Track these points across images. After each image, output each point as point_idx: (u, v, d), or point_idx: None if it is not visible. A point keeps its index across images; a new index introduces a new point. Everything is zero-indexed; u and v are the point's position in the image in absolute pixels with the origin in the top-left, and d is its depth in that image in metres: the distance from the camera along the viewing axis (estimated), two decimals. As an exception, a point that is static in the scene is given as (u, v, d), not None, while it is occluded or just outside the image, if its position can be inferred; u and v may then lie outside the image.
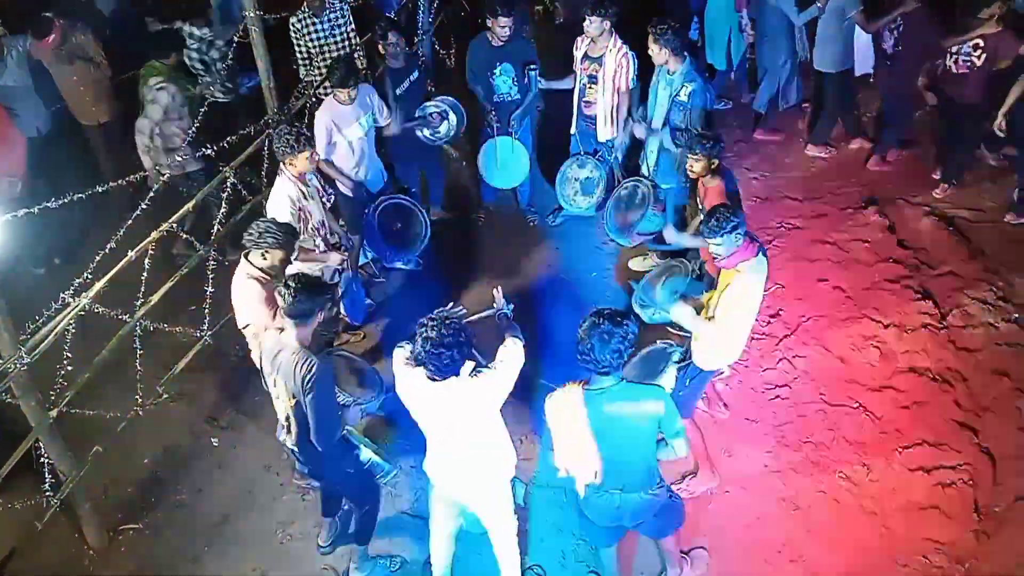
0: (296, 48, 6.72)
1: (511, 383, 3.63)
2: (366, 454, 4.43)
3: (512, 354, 3.66)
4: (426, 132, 6.33)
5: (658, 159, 5.84)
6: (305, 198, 4.93)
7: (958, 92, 6.39)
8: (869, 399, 5.22)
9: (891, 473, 4.84)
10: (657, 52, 5.51)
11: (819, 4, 6.72)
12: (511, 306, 4.07)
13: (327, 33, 6.65)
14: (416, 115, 6.24)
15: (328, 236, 5.21)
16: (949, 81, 6.41)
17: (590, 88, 6.05)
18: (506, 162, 6.42)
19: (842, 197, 6.89)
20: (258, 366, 4.37)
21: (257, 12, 5.37)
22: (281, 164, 4.89)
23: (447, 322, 3.42)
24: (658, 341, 4.79)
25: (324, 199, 5.20)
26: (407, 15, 7.56)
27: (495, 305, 4.05)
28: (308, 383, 3.69)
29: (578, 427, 3.50)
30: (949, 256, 6.13)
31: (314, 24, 6.60)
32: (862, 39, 6.90)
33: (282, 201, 4.84)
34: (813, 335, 5.63)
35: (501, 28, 6.00)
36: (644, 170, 6.00)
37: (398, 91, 6.08)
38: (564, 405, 3.53)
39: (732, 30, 7.33)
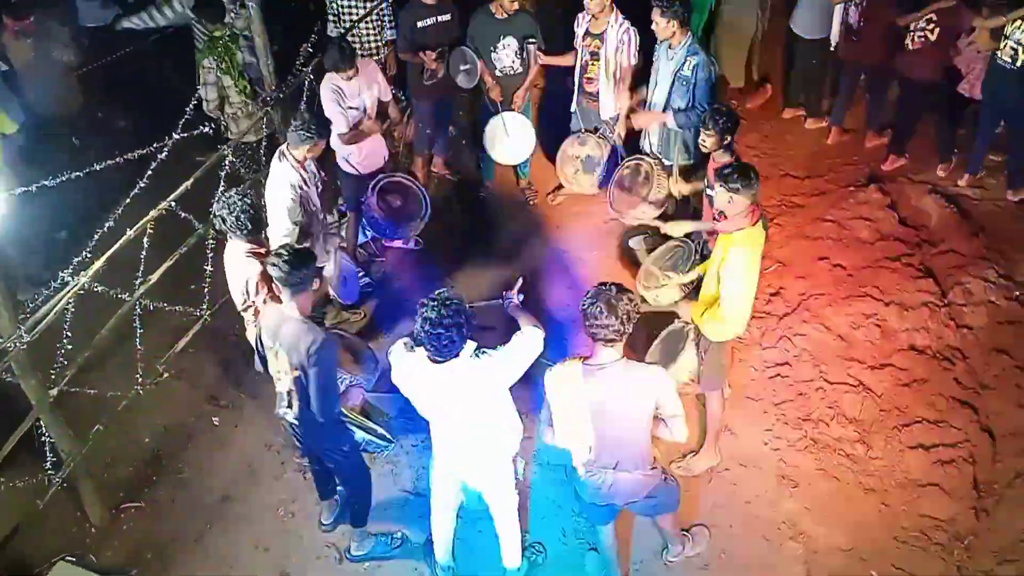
0: (328, 7, 6.68)
1: (520, 369, 3.60)
2: (359, 434, 4.44)
3: (527, 340, 3.62)
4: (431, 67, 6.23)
5: (661, 136, 5.80)
6: (306, 184, 4.90)
7: (913, 68, 6.39)
8: (869, 377, 5.22)
9: (891, 450, 4.86)
10: (664, 26, 5.39)
11: None
12: (521, 296, 4.03)
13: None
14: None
15: (325, 221, 5.19)
16: (905, 57, 6.39)
17: (592, 64, 6.00)
18: (512, 137, 6.37)
19: (843, 175, 6.86)
20: (254, 345, 4.38)
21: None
22: (284, 149, 4.85)
23: (447, 302, 3.39)
24: (675, 321, 4.77)
25: (317, 183, 5.16)
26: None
27: (512, 292, 4.02)
28: (312, 354, 3.70)
29: (576, 402, 3.50)
30: (950, 234, 6.12)
31: None
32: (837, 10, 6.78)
33: (284, 188, 4.81)
34: (813, 313, 5.62)
35: (507, 4, 5.95)
36: (645, 147, 5.96)
37: (419, 24, 6.08)
38: (563, 379, 3.53)
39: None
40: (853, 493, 4.71)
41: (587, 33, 5.95)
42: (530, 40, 6.15)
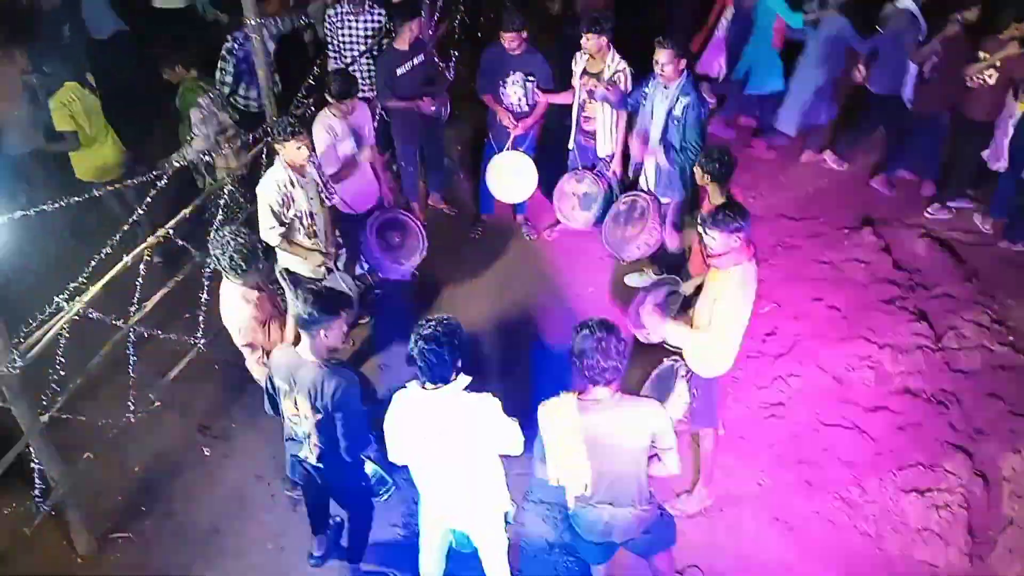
0: (328, 41, 6.80)
1: (500, 437, 3.59)
2: (370, 467, 4.39)
3: (515, 433, 3.63)
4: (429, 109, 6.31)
5: (657, 173, 5.84)
6: (292, 185, 4.91)
7: (967, 108, 6.50)
8: (864, 419, 5.22)
9: (885, 494, 4.84)
10: (667, 59, 5.42)
11: (881, 31, 6.76)
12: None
13: (359, 31, 6.70)
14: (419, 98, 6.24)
15: (313, 228, 5.18)
16: (968, 100, 6.51)
17: (589, 103, 6.06)
18: (515, 176, 6.42)
19: (838, 217, 6.92)
20: (263, 387, 4.35)
21: (258, 20, 5.37)
22: (276, 150, 4.90)
23: (444, 321, 3.42)
24: (664, 359, 4.77)
25: (324, 195, 5.19)
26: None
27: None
28: (338, 398, 3.65)
29: (571, 437, 3.47)
30: (944, 278, 6.16)
31: (349, 21, 6.67)
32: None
33: (269, 184, 4.89)
34: (808, 354, 5.63)
35: (509, 43, 6.03)
36: (643, 184, 6.01)
37: (399, 71, 6.14)
38: (558, 413, 3.50)
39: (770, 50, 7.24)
40: (848, 537, 4.68)
41: (584, 72, 6.01)
42: (529, 78, 6.21)
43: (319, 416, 3.76)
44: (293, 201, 4.97)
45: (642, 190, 6.00)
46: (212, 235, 4.64)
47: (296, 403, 3.80)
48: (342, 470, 4.00)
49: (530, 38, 6.11)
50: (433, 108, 6.28)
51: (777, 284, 6.21)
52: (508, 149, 6.35)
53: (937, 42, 6.45)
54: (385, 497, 4.43)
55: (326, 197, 5.23)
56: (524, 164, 6.38)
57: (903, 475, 4.89)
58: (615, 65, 5.89)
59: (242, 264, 4.17)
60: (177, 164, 5.22)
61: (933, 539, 4.60)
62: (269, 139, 5.55)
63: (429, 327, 3.40)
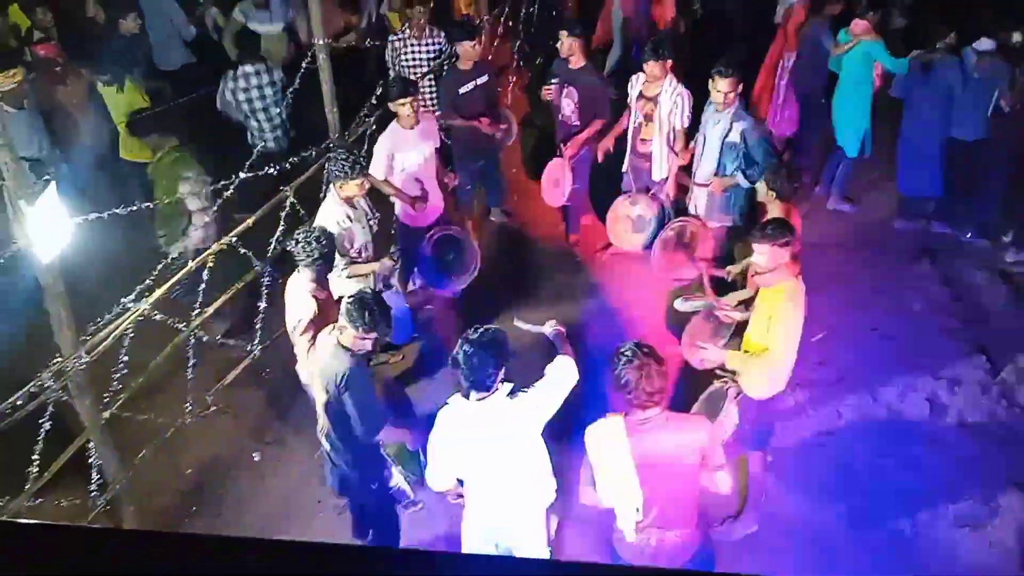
0: (391, 66, 7.07)
1: (558, 399, 3.60)
2: (396, 479, 4.43)
3: (561, 370, 3.65)
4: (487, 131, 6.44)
5: (708, 199, 5.85)
6: (351, 220, 5.03)
7: None
8: (917, 451, 5.10)
9: (936, 528, 4.71)
10: (724, 87, 5.43)
11: (975, 74, 6.42)
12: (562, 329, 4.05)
13: (422, 56, 6.94)
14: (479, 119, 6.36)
15: (369, 260, 5.30)
16: None
17: (646, 126, 6.11)
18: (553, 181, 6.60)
19: (897, 246, 6.82)
20: (301, 377, 4.48)
21: (325, 40, 5.55)
22: (332, 185, 5.01)
23: (490, 329, 3.50)
24: (715, 381, 4.74)
25: (371, 221, 5.29)
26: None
27: (548, 326, 4.04)
28: (341, 382, 3.78)
29: (620, 459, 3.44)
30: (1004, 311, 6.03)
31: (412, 44, 6.90)
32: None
33: (328, 223, 4.95)
34: (862, 383, 5.54)
35: (565, 50, 6.23)
36: (691, 209, 6.02)
37: (461, 90, 6.28)
38: (606, 436, 3.48)
39: (866, 108, 6.97)
40: (896, 569, 4.56)
41: (640, 95, 6.07)
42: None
43: (324, 397, 3.90)
44: (355, 237, 5.09)
45: (692, 216, 6.01)
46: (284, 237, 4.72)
47: (314, 384, 4.01)
48: (353, 460, 4.09)
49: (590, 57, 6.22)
50: (493, 130, 6.41)
51: (832, 312, 6.11)
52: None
53: None
54: (412, 510, 4.48)
55: (373, 223, 5.30)
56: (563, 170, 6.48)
57: (955, 509, 4.76)
58: (672, 89, 5.94)
59: (317, 254, 4.36)
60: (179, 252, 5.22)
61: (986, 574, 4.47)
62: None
63: (476, 333, 3.47)
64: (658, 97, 5.96)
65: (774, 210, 4.89)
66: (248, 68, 6.63)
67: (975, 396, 5.37)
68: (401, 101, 5.46)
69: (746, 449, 4.64)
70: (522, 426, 3.58)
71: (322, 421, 4.05)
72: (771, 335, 4.13)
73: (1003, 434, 5.17)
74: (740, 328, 5.03)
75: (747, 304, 4.94)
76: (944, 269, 6.41)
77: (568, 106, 6.39)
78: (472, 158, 6.70)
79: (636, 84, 6.12)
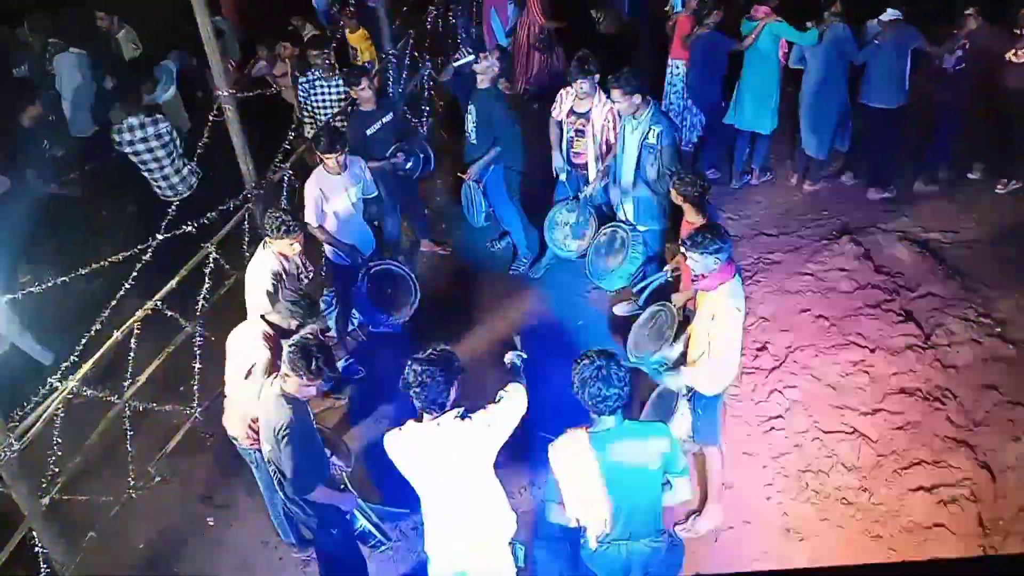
0: (303, 109, 7.00)
1: (507, 427, 3.57)
2: (361, 522, 4.34)
3: (512, 397, 3.63)
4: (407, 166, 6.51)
5: (635, 204, 5.94)
6: (286, 273, 4.95)
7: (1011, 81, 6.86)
8: (863, 423, 5.23)
9: (892, 495, 4.84)
10: (625, 101, 5.61)
11: (876, 40, 6.93)
12: (525, 355, 4.06)
13: (333, 97, 6.91)
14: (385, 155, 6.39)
15: None
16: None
17: (578, 140, 6.26)
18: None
19: (815, 229, 7.03)
20: (231, 438, 4.39)
21: (230, 91, 5.48)
22: (265, 239, 4.93)
23: (440, 347, 3.47)
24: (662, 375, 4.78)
25: (303, 276, 5.19)
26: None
27: (516, 351, 4.06)
28: (283, 431, 3.71)
29: (586, 473, 3.43)
30: (926, 278, 6.25)
31: (321, 86, 6.89)
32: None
33: (263, 275, 4.86)
34: (802, 365, 5.67)
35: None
36: (621, 215, 6.10)
37: (368, 131, 6.27)
38: (570, 451, 3.46)
39: (777, 87, 7.35)
40: (860, 541, 4.66)
41: (571, 111, 6.19)
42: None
43: (268, 448, 3.83)
44: (286, 287, 4.98)
45: (622, 220, 6.09)
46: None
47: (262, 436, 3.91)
48: (310, 506, 4.00)
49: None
50: (407, 164, 6.41)
51: (764, 299, 6.28)
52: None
53: (962, 38, 6.73)
54: (382, 550, 4.40)
55: (304, 276, 5.20)
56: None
57: (908, 474, 4.90)
58: (603, 105, 6.08)
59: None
60: None
61: (945, 535, 4.59)
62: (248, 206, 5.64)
63: (425, 353, 3.45)
64: (589, 114, 6.12)
65: (690, 213, 5.02)
66: (133, 121, 6.39)
67: (910, 362, 5.53)
68: (331, 156, 5.44)
69: (702, 444, 4.69)
70: (476, 449, 3.54)
71: (274, 473, 3.95)
72: (713, 336, 4.20)
73: (940, 395, 5.33)
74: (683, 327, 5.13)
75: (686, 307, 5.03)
76: (865, 245, 6.61)
77: (471, 128, 6.46)
78: (392, 197, 6.68)
79: (565, 100, 6.24)
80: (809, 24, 7.07)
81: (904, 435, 5.14)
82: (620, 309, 6.43)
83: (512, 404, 3.62)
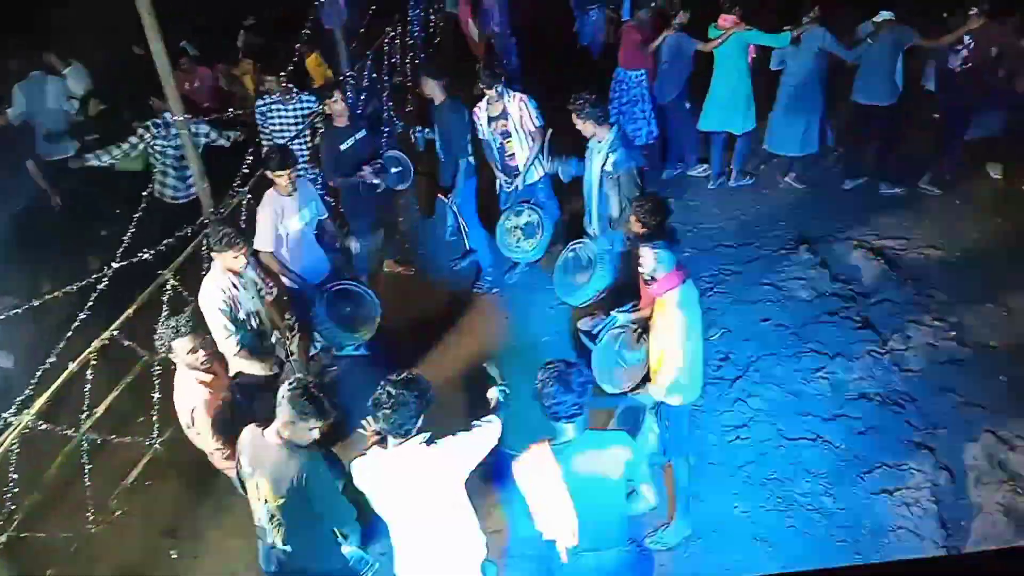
0: (260, 130, 7.00)
1: (475, 456, 3.55)
2: (347, 549, 4.29)
3: (483, 428, 3.60)
4: (374, 180, 6.50)
5: (600, 222, 5.98)
6: (235, 288, 4.90)
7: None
8: (825, 429, 5.30)
9: (856, 499, 4.90)
10: (582, 125, 5.68)
11: (870, 40, 7.09)
12: (508, 390, 4.05)
13: (290, 120, 6.91)
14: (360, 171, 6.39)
15: (262, 327, 5.14)
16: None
17: (507, 143, 6.40)
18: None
19: (773, 239, 7.12)
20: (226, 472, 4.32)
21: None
22: (213, 256, 4.88)
23: (413, 374, 3.44)
24: (628, 394, 4.80)
25: (264, 292, 5.14)
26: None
27: (499, 386, 4.04)
28: (302, 483, 3.56)
29: (551, 485, 3.43)
30: (882, 284, 6.37)
31: (278, 109, 6.89)
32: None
33: (212, 291, 4.79)
34: (764, 373, 5.74)
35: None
36: (589, 230, 6.15)
37: (342, 147, 6.27)
38: (535, 465, 3.46)
39: (748, 88, 7.53)
40: (826, 546, 4.70)
41: (490, 119, 6.35)
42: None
43: (281, 499, 3.66)
44: (240, 304, 4.93)
45: (588, 235, 6.14)
46: (162, 322, 4.59)
47: (258, 485, 3.72)
48: (314, 553, 3.89)
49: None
50: (377, 178, 6.42)
51: (725, 310, 6.35)
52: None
53: (963, 33, 6.87)
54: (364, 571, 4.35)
55: (266, 293, 5.17)
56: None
57: (870, 478, 4.97)
58: (514, 97, 6.33)
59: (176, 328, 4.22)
60: None
61: (909, 536, 4.66)
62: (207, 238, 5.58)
63: (397, 376, 3.41)
64: (505, 111, 6.28)
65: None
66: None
67: (869, 368, 5.62)
68: (279, 173, 5.40)
69: (670, 457, 4.71)
70: (441, 476, 3.51)
71: (274, 520, 3.76)
72: (668, 344, 4.23)
73: (899, 399, 5.42)
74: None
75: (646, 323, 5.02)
76: (822, 254, 6.72)
77: (438, 145, 6.52)
78: (364, 214, 6.66)
79: (482, 113, 6.41)
80: (786, 28, 7.23)
81: (865, 440, 5.21)
82: (584, 324, 6.45)
83: (483, 434, 3.60)
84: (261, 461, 3.68)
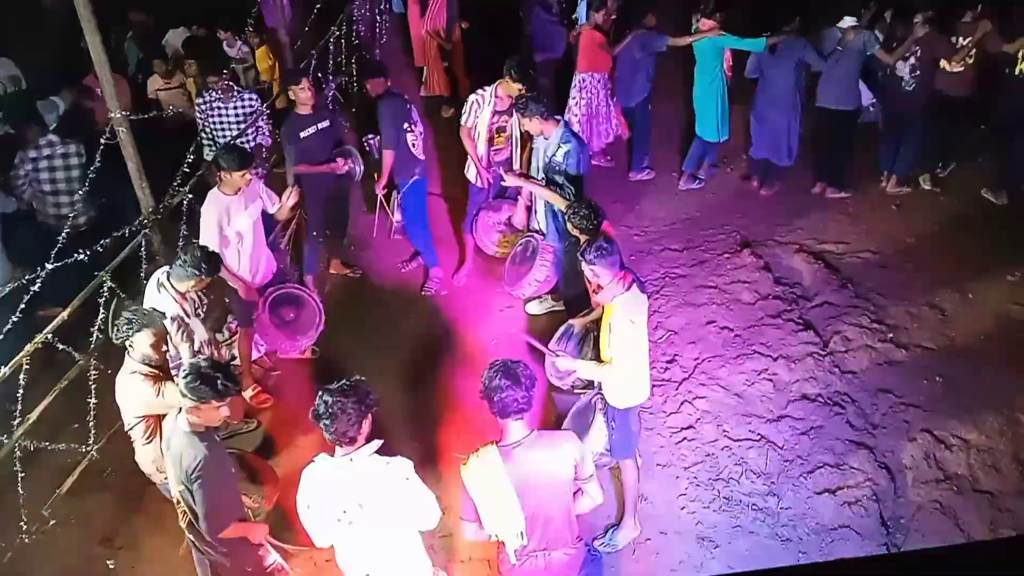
0: (202, 130, 6.86)
1: (419, 503, 3.47)
2: (272, 556, 4.21)
3: (431, 503, 3.52)
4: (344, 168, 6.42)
5: (546, 216, 6.01)
6: (187, 316, 4.76)
7: (951, 88, 7.36)
8: (769, 430, 5.40)
9: (799, 499, 5.00)
10: (529, 123, 5.73)
11: (839, 46, 7.21)
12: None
13: (231, 118, 6.79)
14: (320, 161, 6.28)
15: (216, 350, 5.03)
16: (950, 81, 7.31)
17: (498, 138, 6.42)
18: None
19: (717, 243, 7.22)
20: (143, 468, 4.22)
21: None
22: (163, 280, 4.71)
23: (353, 379, 3.40)
24: (580, 395, 4.81)
25: (200, 310, 4.98)
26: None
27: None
28: (192, 472, 3.57)
29: (500, 486, 3.43)
30: (822, 287, 6.51)
31: (219, 107, 6.77)
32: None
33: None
34: (709, 375, 5.81)
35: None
36: (534, 225, 6.20)
37: (302, 134, 6.16)
38: (482, 467, 3.46)
39: (720, 97, 7.65)
40: (771, 545, 4.79)
41: (495, 112, 6.32)
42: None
43: (180, 487, 3.68)
44: (193, 334, 4.78)
45: (535, 230, 6.17)
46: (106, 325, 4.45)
47: (168, 467, 3.76)
48: (220, 547, 3.86)
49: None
50: (347, 167, 6.33)
51: (671, 312, 6.41)
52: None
53: (911, 43, 7.10)
54: None
55: (201, 310, 4.98)
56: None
57: (813, 478, 5.07)
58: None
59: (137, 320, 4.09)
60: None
61: (851, 535, 4.77)
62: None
63: (337, 383, 3.37)
64: (509, 109, 6.26)
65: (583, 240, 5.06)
66: (53, 138, 6.39)
67: (810, 369, 5.74)
68: (241, 172, 5.27)
69: (617, 458, 4.73)
70: (387, 493, 3.42)
71: (179, 505, 3.80)
72: (612, 347, 4.26)
73: (840, 400, 5.55)
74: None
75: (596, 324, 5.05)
76: (764, 257, 6.84)
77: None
78: (321, 206, 6.54)
79: (485, 104, 6.30)
80: (766, 34, 7.33)
81: (808, 440, 5.32)
82: (532, 308, 6.50)
83: (428, 496, 3.51)
84: (170, 445, 3.70)
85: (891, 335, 5.94)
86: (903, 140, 7.60)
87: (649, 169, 8.30)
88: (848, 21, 7.19)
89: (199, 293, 4.89)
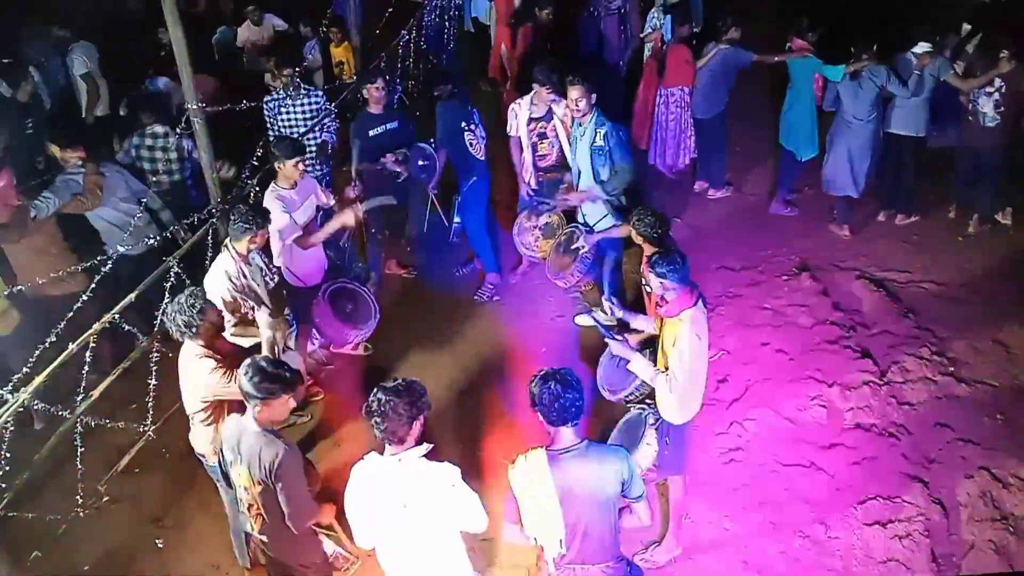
0: (269, 126, 7.02)
1: (466, 510, 3.47)
2: (329, 545, 4.27)
3: (479, 511, 3.51)
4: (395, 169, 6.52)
5: (590, 207, 6.06)
6: (245, 277, 4.88)
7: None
8: (820, 457, 5.30)
9: (848, 529, 4.89)
10: (580, 95, 5.72)
11: (916, 71, 7.12)
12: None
13: (298, 116, 6.92)
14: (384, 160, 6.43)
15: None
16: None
17: (541, 145, 6.45)
18: None
19: (775, 265, 7.14)
20: (204, 454, 4.29)
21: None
22: (227, 242, 4.86)
23: (409, 380, 3.41)
24: (632, 407, 4.79)
25: (267, 278, 5.14)
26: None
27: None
28: (276, 468, 3.57)
29: (544, 490, 3.42)
30: (882, 316, 6.37)
31: (288, 105, 6.91)
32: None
33: (219, 277, 4.78)
34: (761, 398, 5.73)
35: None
36: (579, 218, 6.23)
37: (371, 132, 6.34)
38: (529, 469, 3.45)
39: (812, 116, 7.69)
40: (816, 574, 4.70)
41: (531, 119, 6.38)
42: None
43: (259, 487, 3.69)
44: (250, 293, 4.91)
45: (580, 223, 6.20)
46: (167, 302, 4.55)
47: (239, 473, 3.75)
48: (289, 543, 3.88)
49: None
50: (398, 167, 6.44)
51: (726, 332, 6.35)
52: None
53: (994, 75, 6.92)
54: (346, 568, 4.33)
55: (269, 279, 5.16)
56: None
57: (863, 509, 4.95)
58: (559, 104, 6.29)
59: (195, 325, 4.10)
60: None
61: (899, 569, 4.65)
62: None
63: (392, 382, 3.39)
64: (549, 114, 6.35)
65: (648, 249, 5.03)
66: (158, 128, 6.69)
67: (866, 398, 5.62)
68: (293, 161, 5.40)
69: (666, 474, 4.69)
70: (433, 497, 3.43)
71: (252, 508, 3.81)
72: (673, 362, 4.22)
73: (895, 431, 5.43)
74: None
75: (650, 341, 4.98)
76: (823, 282, 6.74)
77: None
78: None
79: (521, 112, 6.39)
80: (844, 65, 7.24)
81: (860, 470, 5.21)
82: (582, 320, 6.48)
83: (475, 501, 3.49)
84: (241, 448, 3.70)
85: (952, 369, 5.79)
86: (981, 178, 7.36)
87: (729, 185, 8.27)
88: (923, 47, 7.08)
89: (264, 260, 5.04)
